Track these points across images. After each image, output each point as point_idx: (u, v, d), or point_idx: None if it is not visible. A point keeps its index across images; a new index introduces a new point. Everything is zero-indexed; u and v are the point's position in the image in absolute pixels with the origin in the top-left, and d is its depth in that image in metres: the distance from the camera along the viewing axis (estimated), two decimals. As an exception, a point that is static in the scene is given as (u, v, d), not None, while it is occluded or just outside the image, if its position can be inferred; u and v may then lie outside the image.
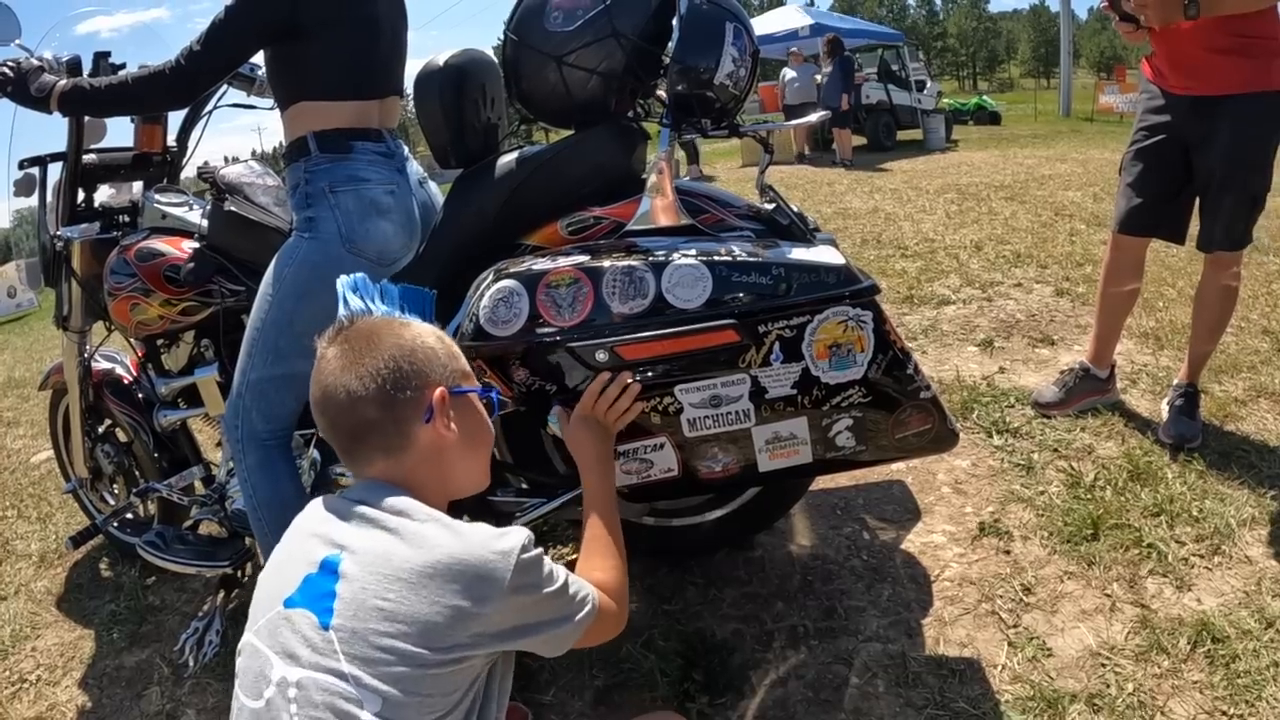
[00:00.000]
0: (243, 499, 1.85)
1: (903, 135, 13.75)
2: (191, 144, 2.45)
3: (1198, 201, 2.40)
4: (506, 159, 1.77)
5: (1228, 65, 2.19)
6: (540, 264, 1.49)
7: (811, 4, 18.78)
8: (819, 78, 11.79)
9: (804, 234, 1.61)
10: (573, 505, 1.79)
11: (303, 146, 1.74)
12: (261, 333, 1.76)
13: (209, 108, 2.38)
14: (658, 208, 1.62)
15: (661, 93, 1.76)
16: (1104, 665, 1.63)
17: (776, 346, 1.43)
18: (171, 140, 2.41)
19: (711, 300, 1.42)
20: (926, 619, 1.83)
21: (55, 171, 2.25)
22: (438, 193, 2.03)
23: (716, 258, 1.44)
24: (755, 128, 1.78)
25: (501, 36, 1.83)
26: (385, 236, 1.76)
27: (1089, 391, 2.70)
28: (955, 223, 6.04)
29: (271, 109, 1.98)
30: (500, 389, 1.50)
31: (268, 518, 1.79)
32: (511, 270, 1.49)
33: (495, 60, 2.00)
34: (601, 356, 1.44)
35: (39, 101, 1.78)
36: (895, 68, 14.51)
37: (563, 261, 1.48)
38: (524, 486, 1.94)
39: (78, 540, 2.44)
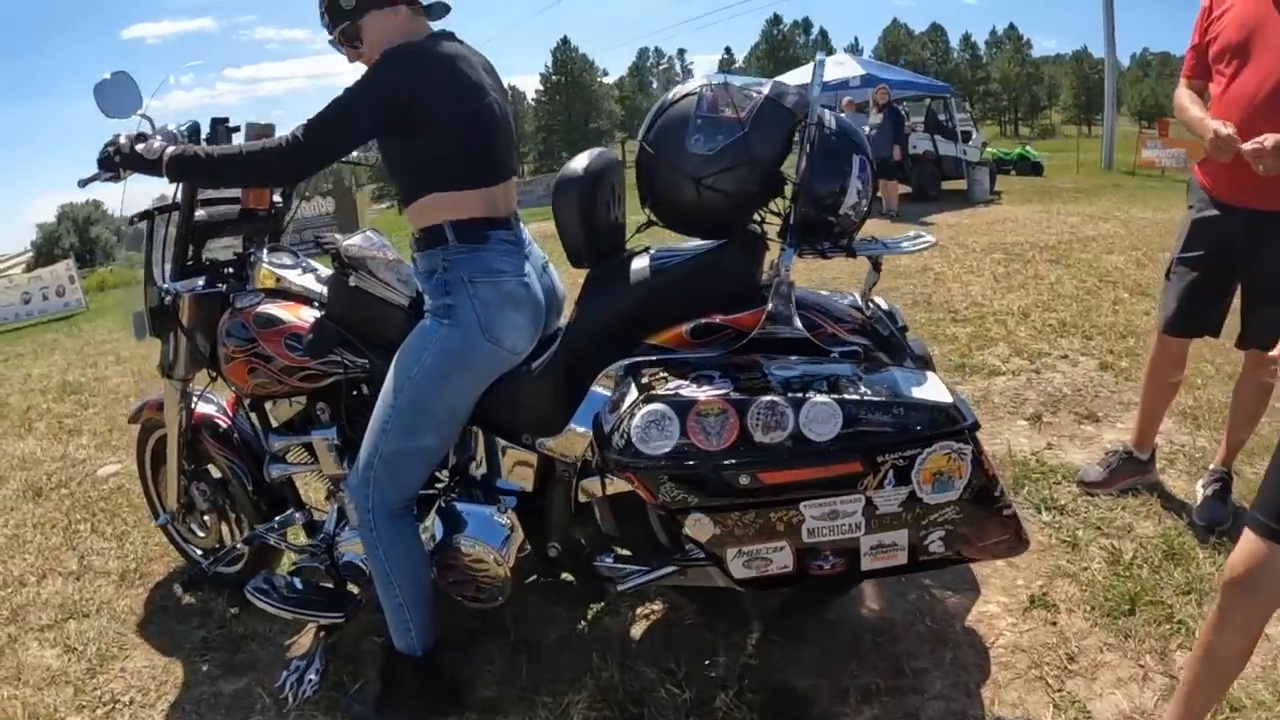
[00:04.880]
0: (370, 559, 1.97)
1: (947, 185, 13.89)
2: (295, 201, 2.48)
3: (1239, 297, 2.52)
4: (640, 264, 1.90)
5: None
6: (687, 390, 1.68)
7: (859, 50, 18.97)
8: (868, 128, 12.00)
9: (902, 347, 1.84)
10: (673, 576, 2.02)
11: (439, 235, 1.84)
12: (398, 411, 1.87)
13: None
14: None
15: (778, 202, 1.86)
16: (1137, 730, 1.85)
17: (890, 473, 1.64)
18: (277, 197, 2.45)
19: (841, 435, 1.62)
20: (984, 682, 2.05)
21: (162, 223, 2.29)
22: (558, 279, 2.15)
23: (847, 396, 1.65)
24: (869, 250, 1.89)
25: (636, 143, 1.92)
26: (519, 328, 1.89)
27: (1131, 473, 2.88)
28: (1003, 286, 6.24)
29: (374, 165, 2.01)
30: (646, 495, 1.71)
31: (396, 570, 1.94)
32: (659, 393, 1.68)
33: (619, 159, 2.12)
34: (744, 480, 1.64)
35: (151, 164, 1.84)
36: (942, 118, 14.65)
37: (709, 392, 1.66)
38: (624, 552, 2.15)
39: (188, 585, 2.54)
